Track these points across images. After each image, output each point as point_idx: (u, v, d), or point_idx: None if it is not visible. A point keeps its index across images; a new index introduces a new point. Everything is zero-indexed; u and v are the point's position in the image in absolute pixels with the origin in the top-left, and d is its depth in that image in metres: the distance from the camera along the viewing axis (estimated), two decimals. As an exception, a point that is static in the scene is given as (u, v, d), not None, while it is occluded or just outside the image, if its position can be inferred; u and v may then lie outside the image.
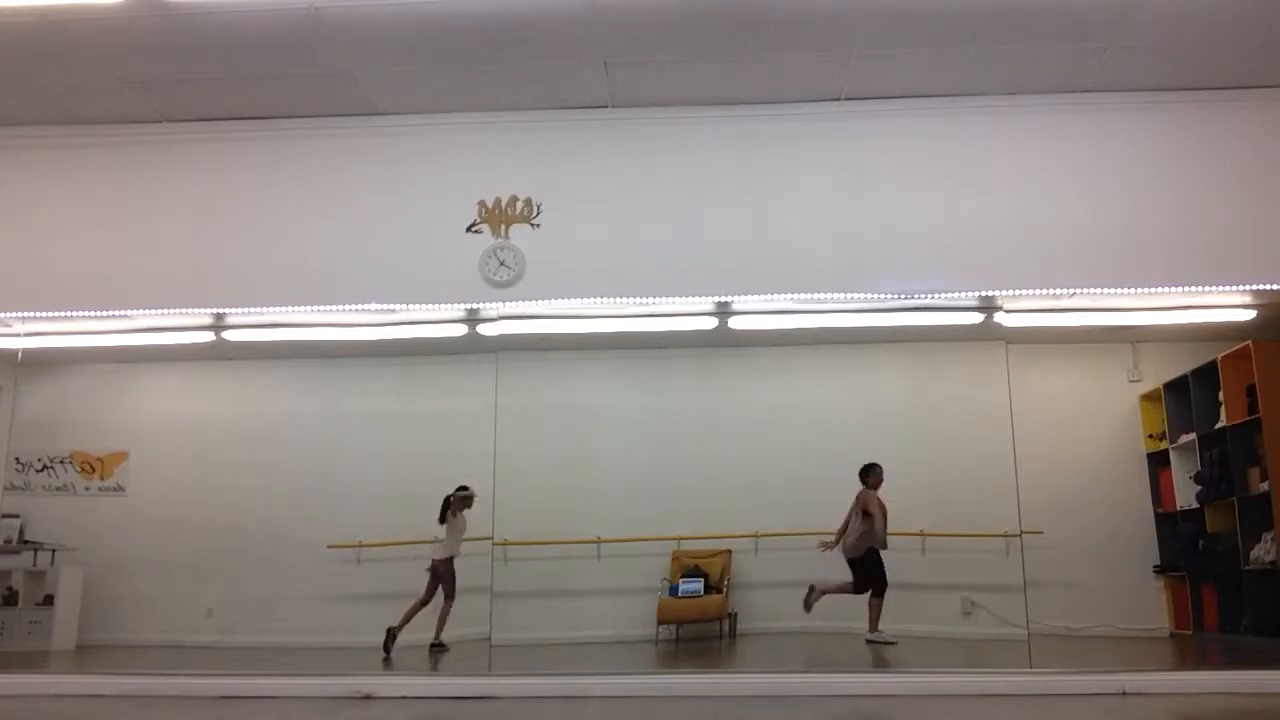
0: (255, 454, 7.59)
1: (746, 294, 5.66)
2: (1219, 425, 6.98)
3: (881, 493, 6.74)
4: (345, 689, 5.02)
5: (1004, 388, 5.52)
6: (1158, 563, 7.25)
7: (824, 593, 6.68)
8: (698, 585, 7.09)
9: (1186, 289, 5.31)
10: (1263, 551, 6.50)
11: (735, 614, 7.15)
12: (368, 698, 4.95)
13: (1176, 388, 7.41)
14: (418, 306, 5.69)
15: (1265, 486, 6.46)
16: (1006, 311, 5.64)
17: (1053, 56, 5.29)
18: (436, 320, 5.89)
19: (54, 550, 7.46)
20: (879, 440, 6.71)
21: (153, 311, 5.80)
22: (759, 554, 7.20)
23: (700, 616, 7.08)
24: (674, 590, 7.11)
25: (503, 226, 5.69)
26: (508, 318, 5.76)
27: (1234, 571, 6.70)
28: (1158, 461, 7.52)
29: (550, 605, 7.19)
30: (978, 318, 5.83)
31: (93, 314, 5.81)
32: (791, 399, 7.38)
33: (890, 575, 6.58)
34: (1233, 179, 5.41)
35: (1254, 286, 5.42)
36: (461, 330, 6.08)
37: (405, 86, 5.57)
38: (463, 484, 6.84)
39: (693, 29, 5.03)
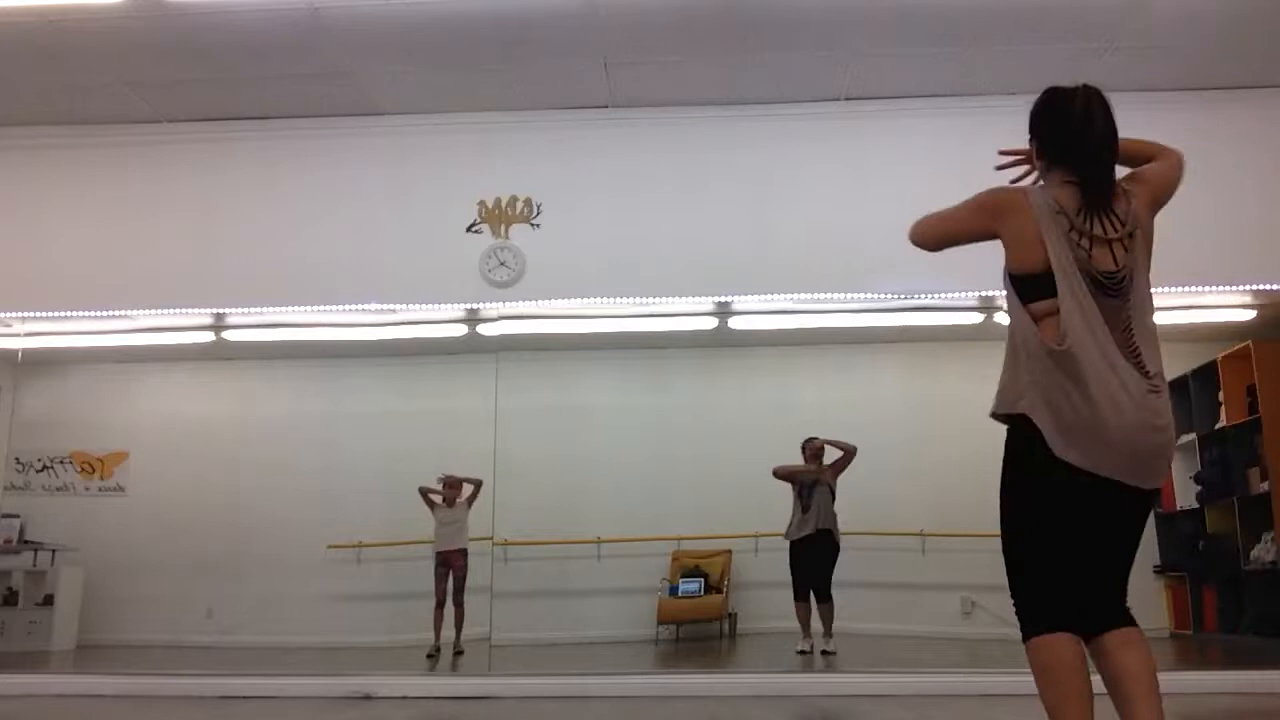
0: (255, 454, 7.59)
1: (746, 294, 5.66)
2: (1219, 425, 6.99)
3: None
4: (345, 689, 5.02)
5: (1004, 388, 5.50)
6: (1158, 563, 7.24)
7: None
8: (697, 585, 7.09)
9: (1186, 289, 5.31)
10: (1263, 551, 6.50)
11: (735, 614, 7.15)
12: (368, 698, 4.95)
13: (1176, 388, 7.40)
14: (418, 306, 5.69)
15: (1265, 486, 6.46)
16: (1006, 312, 5.62)
17: (1053, 56, 5.28)
18: (436, 320, 5.88)
19: (54, 550, 7.46)
20: (879, 440, 6.69)
21: (153, 311, 5.80)
22: (759, 554, 7.20)
23: (700, 616, 7.08)
24: (674, 590, 7.11)
25: (503, 226, 5.69)
26: (508, 318, 5.76)
27: (1234, 572, 6.70)
28: (1158, 461, 7.51)
29: (550, 605, 7.19)
30: (978, 318, 5.83)
31: (93, 314, 5.82)
32: (791, 399, 7.38)
33: (890, 575, 6.58)
34: (1233, 179, 5.41)
35: (1254, 286, 5.43)
36: (461, 330, 6.08)
37: (405, 86, 5.57)
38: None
39: (693, 29, 5.02)
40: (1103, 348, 2.10)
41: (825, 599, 6.22)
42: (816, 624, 6.23)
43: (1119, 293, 2.14)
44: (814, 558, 6.30)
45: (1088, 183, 2.20)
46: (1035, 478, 2.21)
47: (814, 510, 6.33)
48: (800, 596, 6.28)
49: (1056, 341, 2.14)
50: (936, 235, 2.40)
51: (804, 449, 6.51)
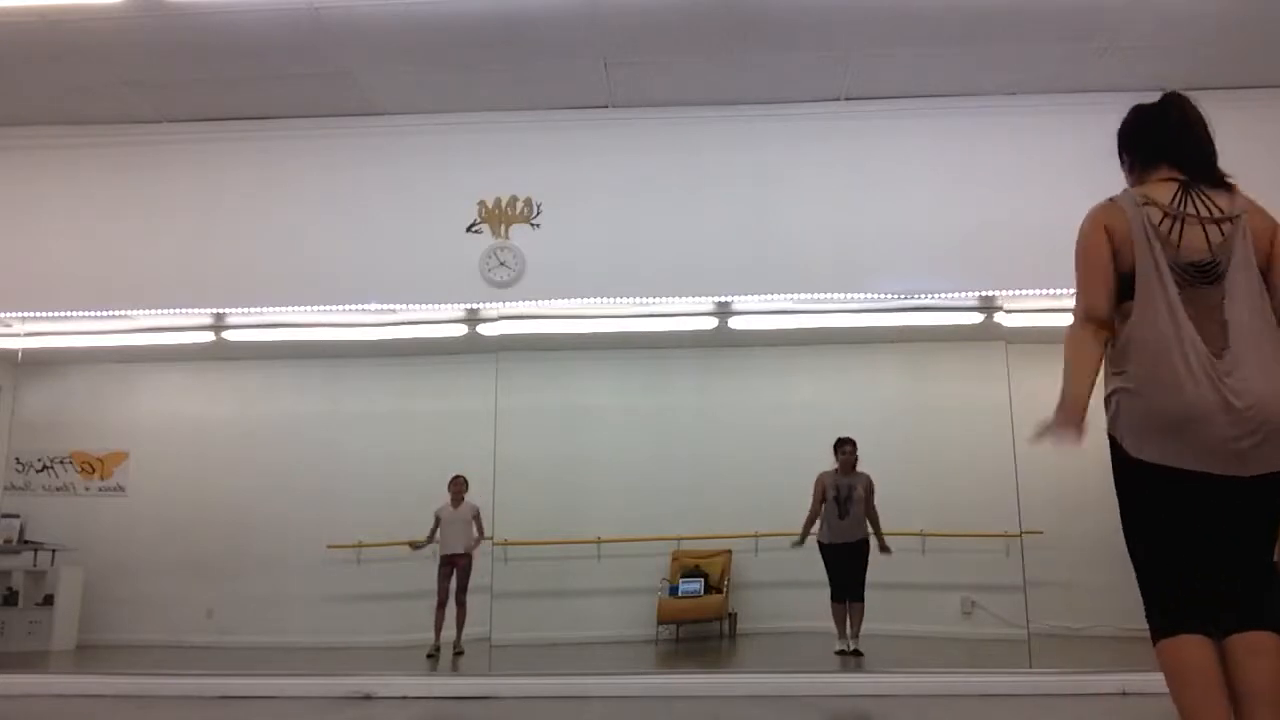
0: (255, 454, 7.57)
1: (746, 294, 5.67)
2: (1219, 425, 6.96)
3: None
4: (345, 689, 5.02)
5: (1004, 388, 5.52)
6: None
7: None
8: (698, 585, 7.09)
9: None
10: (1263, 552, 6.48)
11: (735, 614, 7.14)
12: (368, 698, 4.95)
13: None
14: (418, 306, 5.70)
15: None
16: (1006, 311, 5.64)
17: (1052, 56, 5.29)
18: (436, 320, 5.89)
19: (54, 550, 7.45)
20: (878, 440, 6.69)
21: (152, 311, 5.80)
22: (759, 554, 7.19)
23: (700, 616, 7.08)
24: (674, 590, 7.10)
25: (503, 226, 5.69)
26: (508, 318, 5.77)
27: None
28: (1158, 461, 7.49)
29: (550, 605, 7.18)
30: (978, 318, 5.82)
31: (93, 314, 5.82)
32: (791, 399, 7.36)
33: (890, 575, 6.56)
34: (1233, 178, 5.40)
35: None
36: (461, 330, 6.08)
37: (405, 86, 5.57)
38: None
39: (693, 29, 5.03)
40: (1179, 337, 2.01)
41: (859, 599, 6.33)
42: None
43: (1211, 280, 2.06)
44: (853, 563, 6.41)
45: (1192, 168, 2.22)
46: (1127, 478, 2.13)
47: (853, 516, 6.43)
48: (839, 599, 6.36)
49: (1121, 336, 2.10)
50: (1087, 290, 2.18)
51: (837, 449, 6.52)
